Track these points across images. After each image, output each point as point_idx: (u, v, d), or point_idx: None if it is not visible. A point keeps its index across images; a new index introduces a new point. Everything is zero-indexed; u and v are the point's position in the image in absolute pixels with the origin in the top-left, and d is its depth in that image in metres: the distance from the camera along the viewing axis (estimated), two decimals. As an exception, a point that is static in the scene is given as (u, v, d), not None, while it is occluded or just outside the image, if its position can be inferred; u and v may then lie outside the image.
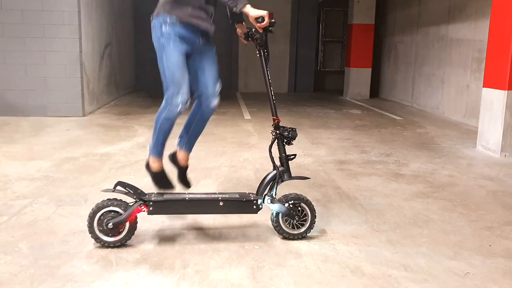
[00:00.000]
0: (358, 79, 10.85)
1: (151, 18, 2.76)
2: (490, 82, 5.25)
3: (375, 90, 11.25)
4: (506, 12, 4.97)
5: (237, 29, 3.03)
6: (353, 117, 7.86)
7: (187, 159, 3.12)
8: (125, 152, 4.86)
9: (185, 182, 3.16)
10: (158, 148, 2.89)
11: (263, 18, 2.59)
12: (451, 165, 4.67)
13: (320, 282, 2.28)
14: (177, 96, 2.69)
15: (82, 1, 6.94)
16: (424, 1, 8.93)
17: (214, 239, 2.75)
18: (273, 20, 2.65)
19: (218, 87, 2.91)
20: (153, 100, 9.37)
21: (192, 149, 3.11)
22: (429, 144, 5.67)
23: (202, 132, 3.07)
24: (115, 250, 2.56)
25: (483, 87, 5.40)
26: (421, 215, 3.24)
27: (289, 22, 11.65)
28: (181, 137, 3.08)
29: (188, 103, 2.76)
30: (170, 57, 2.67)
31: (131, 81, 11.14)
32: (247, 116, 7.59)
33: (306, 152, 5.03)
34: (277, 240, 2.74)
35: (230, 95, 10.75)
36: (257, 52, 2.74)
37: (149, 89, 11.04)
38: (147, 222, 2.95)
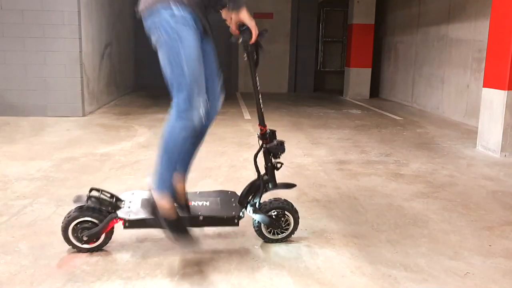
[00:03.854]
0: (358, 79, 10.85)
1: (142, 15, 2.18)
2: (490, 82, 5.25)
3: (375, 90, 11.25)
4: (506, 12, 4.96)
5: (223, 14, 2.40)
6: (353, 117, 7.86)
7: (184, 188, 2.47)
8: (125, 152, 4.86)
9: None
10: (167, 179, 2.22)
11: (249, 32, 2.24)
12: (451, 165, 4.67)
13: (320, 282, 2.28)
14: (198, 99, 2.12)
15: (82, 1, 6.94)
16: (424, 1, 8.93)
17: (214, 239, 2.75)
18: (265, 31, 2.33)
19: (221, 84, 2.48)
20: (153, 100, 9.36)
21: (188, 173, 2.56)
22: (429, 144, 5.67)
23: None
24: (115, 250, 2.56)
25: (483, 87, 5.40)
26: (421, 215, 3.24)
27: (289, 22, 11.65)
28: None
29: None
30: (190, 48, 2.08)
31: (131, 81, 11.15)
32: (247, 116, 7.59)
33: (306, 152, 5.03)
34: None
35: (230, 95, 10.75)
36: (245, 56, 2.38)
37: (149, 89, 11.03)
38: (147, 222, 2.95)
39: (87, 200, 2.43)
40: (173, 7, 2.06)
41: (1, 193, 3.48)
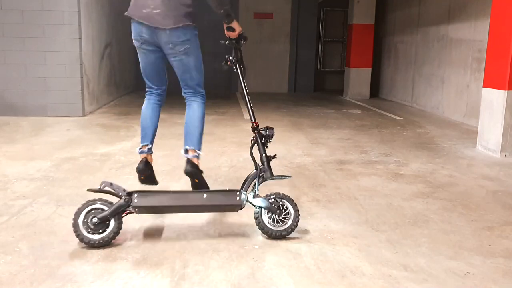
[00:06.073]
0: (358, 79, 10.85)
1: (168, 27, 2.82)
2: (490, 82, 5.25)
3: (375, 90, 11.25)
4: (506, 12, 4.97)
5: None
6: (353, 117, 7.86)
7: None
8: (125, 152, 4.86)
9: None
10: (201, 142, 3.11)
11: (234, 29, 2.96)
12: (451, 165, 4.67)
13: (320, 282, 2.28)
14: None
15: (82, 1, 6.94)
16: (424, 1, 8.93)
17: (214, 239, 2.75)
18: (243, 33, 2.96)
19: None
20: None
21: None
22: (429, 144, 5.67)
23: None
24: (115, 250, 2.56)
25: (483, 87, 5.40)
26: (421, 215, 3.24)
27: (289, 22, 11.64)
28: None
29: None
30: (201, 58, 3.09)
31: (131, 81, 11.14)
32: (247, 116, 7.58)
33: (306, 152, 5.03)
34: (277, 240, 2.74)
35: (230, 95, 10.76)
36: (234, 68, 2.98)
37: (149, 89, 11.04)
38: (147, 221, 2.96)
39: (100, 186, 2.65)
40: (196, 29, 2.96)
41: (1, 193, 3.48)
